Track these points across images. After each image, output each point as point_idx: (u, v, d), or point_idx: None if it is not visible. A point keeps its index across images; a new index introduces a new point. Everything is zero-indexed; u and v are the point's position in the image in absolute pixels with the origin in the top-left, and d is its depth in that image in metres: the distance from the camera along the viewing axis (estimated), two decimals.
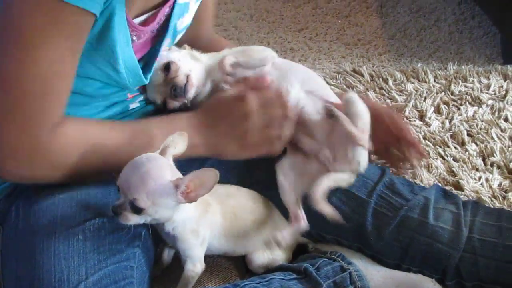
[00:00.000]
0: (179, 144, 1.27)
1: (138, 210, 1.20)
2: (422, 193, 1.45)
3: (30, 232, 1.25)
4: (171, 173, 1.24)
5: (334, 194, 1.40)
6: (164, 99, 1.43)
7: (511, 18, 2.28)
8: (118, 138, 1.27)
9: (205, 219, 1.33)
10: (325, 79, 2.18)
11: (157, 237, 1.36)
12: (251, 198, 1.42)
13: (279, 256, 1.44)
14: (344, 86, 2.16)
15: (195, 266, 1.33)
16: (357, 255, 1.43)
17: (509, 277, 1.38)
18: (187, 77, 1.41)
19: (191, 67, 1.42)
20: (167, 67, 1.39)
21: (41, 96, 1.14)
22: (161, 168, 1.24)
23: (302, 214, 1.36)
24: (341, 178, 1.38)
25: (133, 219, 1.22)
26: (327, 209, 1.31)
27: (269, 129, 1.34)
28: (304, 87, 1.42)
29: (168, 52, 1.42)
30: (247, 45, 2.51)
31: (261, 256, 1.42)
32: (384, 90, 2.14)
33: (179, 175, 1.24)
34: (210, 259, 1.41)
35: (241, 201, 1.41)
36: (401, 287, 1.36)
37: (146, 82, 1.36)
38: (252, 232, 1.41)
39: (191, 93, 1.41)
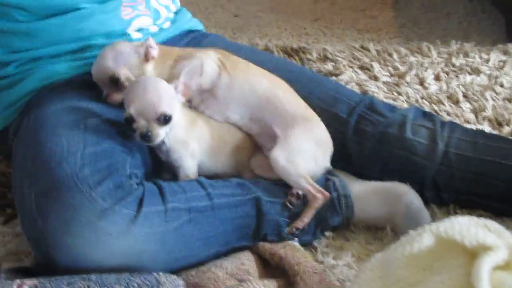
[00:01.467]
0: None
1: (167, 120, 1.36)
2: (401, 112, 1.56)
3: (37, 126, 1.40)
4: (166, 81, 1.40)
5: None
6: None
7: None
8: None
9: (193, 132, 1.45)
10: (332, 52, 2.32)
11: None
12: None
13: None
14: (351, 58, 2.28)
15: (188, 176, 1.45)
16: (342, 172, 1.54)
17: (483, 188, 1.48)
18: None
19: None
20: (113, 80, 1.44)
21: None
22: (159, 80, 1.40)
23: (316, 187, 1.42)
24: None
25: (162, 132, 1.37)
26: None
27: None
28: (250, 114, 1.48)
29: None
30: (265, 31, 2.67)
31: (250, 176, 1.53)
32: (388, 62, 2.26)
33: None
34: None
35: (225, 125, 1.52)
36: (379, 192, 1.47)
37: None
38: (240, 156, 1.51)
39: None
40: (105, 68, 1.43)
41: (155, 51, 1.45)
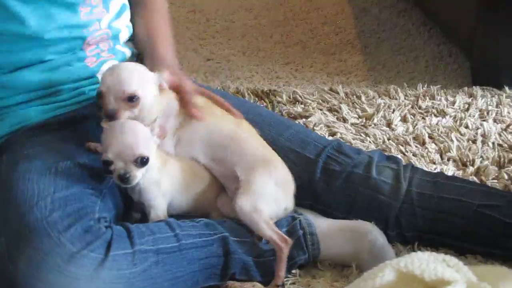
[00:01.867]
0: None
1: (145, 162, 1.39)
2: (367, 154, 1.61)
3: (8, 170, 1.42)
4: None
5: (287, 156, 1.56)
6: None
7: (477, 46, 2.47)
8: None
9: (165, 171, 1.48)
10: (302, 95, 2.36)
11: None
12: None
13: None
14: (320, 101, 2.33)
15: (158, 216, 1.48)
16: (308, 211, 1.57)
17: (443, 226, 1.52)
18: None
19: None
20: (131, 98, 1.43)
21: None
22: (136, 123, 1.44)
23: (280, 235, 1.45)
24: None
25: (139, 173, 1.40)
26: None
27: None
28: (213, 154, 1.52)
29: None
30: (237, 74, 2.72)
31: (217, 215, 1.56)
32: (356, 104, 2.31)
33: None
34: None
35: (197, 164, 1.56)
36: (344, 230, 1.51)
37: None
38: (210, 192, 1.55)
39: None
40: (128, 86, 1.42)
41: (166, 85, 1.49)
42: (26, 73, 1.53)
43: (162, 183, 1.48)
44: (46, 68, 1.55)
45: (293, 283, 1.46)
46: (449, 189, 1.55)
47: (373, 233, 1.48)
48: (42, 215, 1.30)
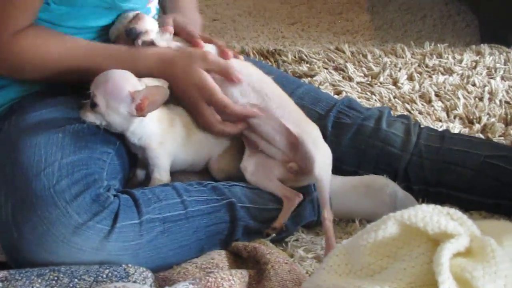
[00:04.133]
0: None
1: (93, 105, 1.37)
2: (377, 108, 1.61)
3: (17, 133, 1.40)
4: (132, 87, 1.40)
5: None
6: (117, 36, 1.51)
7: (485, 3, 2.44)
8: (71, 55, 1.44)
9: (172, 133, 1.47)
10: (307, 54, 2.34)
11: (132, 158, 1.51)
12: None
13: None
14: (326, 60, 2.31)
15: (161, 175, 1.46)
16: None
17: (450, 177, 1.52)
18: (147, 32, 1.46)
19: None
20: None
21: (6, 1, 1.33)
22: (125, 79, 1.41)
23: (290, 191, 1.44)
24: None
25: (89, 116, 1.38)
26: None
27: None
28: (260, 100, 1.47)
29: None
30: (242, 35, 2.69)
31: (221, 160, 1.54)
32: (362, 63, 2.29)
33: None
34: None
35: None
36: (358, 186, 1.50)
37: None
38: (211, 140, 1.53)
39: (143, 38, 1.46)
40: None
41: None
42: None
43: (167, 143, 1.47)
44: None
45: (296, 240, 1.46)
46: (456, 142, 1.55)
47: (390, 185, 1.47)
48: (50, 183, 1.27)
